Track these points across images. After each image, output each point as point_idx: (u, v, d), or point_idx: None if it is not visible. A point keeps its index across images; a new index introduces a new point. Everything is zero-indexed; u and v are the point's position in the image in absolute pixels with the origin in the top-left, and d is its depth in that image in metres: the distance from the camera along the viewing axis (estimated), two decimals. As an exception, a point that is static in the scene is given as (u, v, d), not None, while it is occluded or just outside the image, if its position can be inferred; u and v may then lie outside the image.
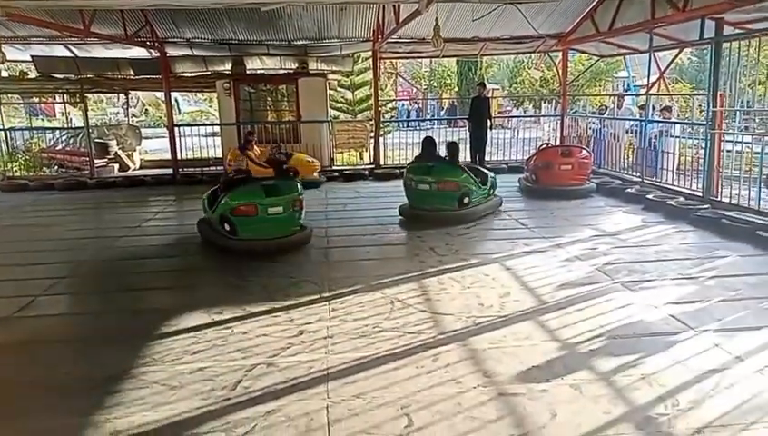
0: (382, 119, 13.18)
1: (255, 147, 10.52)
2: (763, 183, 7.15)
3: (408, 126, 17.14)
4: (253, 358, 3.70)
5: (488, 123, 11.09)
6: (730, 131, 8.24)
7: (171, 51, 11.54)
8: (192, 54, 11.72)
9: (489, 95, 11.60)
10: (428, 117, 27.25)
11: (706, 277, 5.05)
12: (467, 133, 11.51)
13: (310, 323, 4.23)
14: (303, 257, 6.02)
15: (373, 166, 12.03)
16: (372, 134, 12.24)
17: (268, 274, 5.42)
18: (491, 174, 7.98)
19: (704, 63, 16.35)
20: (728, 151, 8.12)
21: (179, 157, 11.81)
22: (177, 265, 6.10)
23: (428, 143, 7.97)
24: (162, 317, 4.40)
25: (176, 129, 11.80)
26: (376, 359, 3.65)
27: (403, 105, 27.61)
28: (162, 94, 12.46)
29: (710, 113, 7.74)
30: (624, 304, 4.46)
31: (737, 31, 7.79)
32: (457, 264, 5.60)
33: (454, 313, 4.35)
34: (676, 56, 10.78)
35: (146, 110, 23.50)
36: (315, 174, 10.67)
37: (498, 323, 4.16)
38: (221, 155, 12.10)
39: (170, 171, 11.86)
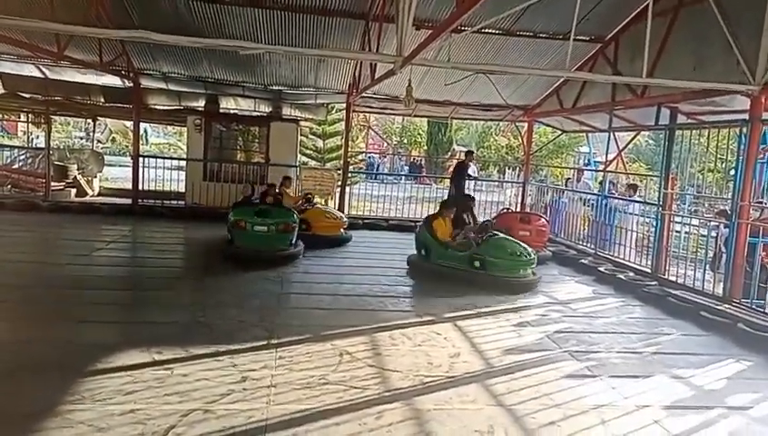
0: (350, 169, 13.31)
1: (287, 193, 9.95)
2: (708, 266, 7.45)
3: (375, 178, 17.31)
4: (190, 403, 3.55)
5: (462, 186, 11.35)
6: (679, 213, 8.63)
7: (145, 82, 11.52)
8: (166, 87, 11.72)
9: (463, 162, 11.88)
10: (397, 172, 27.74)
11: (649, 353, 5.16)
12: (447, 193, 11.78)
13: (254, 370, 4.11)
14: (257, 301, 5.90)
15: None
16: (339, 183, 12.32)
17: (218, 316, 5.28)
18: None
19: (660, 145, 17.30)
20: (677, 231, 8.48)
21: (140, 188, 11.60)
22: (123, 299, 5.89)
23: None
24: (99, 352, 4.20)
25: (141, 159, 11.64)
26: (318, 412, 3.55)
27: (372, 158, 28.06)
28: (132, 123, 12.33)
29: (661, 195, 8.10)
30: (569, 374, 4.49)
31: (690, 121, 8.29)
32: (410, 320, 5.59)
33: (402, 371, 4.30)
34: (634, 138, 11.39)
35: (113, 138, 23.14)
36: (341, 230, 9.78)
37: (446, 384, 4.13)
38: (184, 190, 11.95)
39: (128, 200, 11.62)
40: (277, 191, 9.54)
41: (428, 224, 7.76)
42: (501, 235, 7.61)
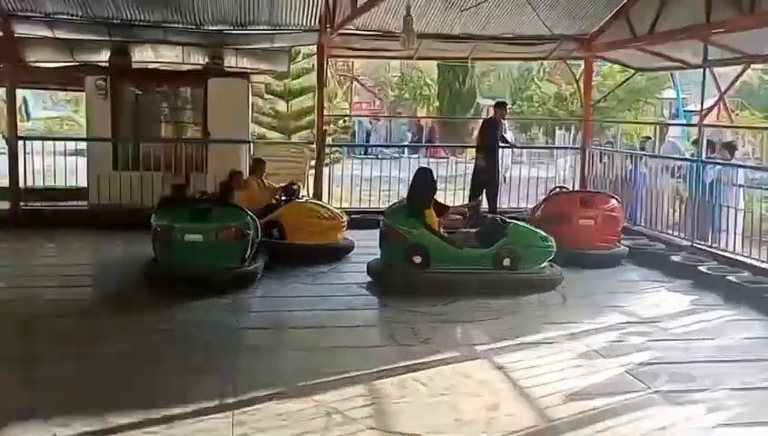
0: (329, 142, 13.32)
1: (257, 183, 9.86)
2: None
3: (365, 153, 17.30)
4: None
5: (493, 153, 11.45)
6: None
7: (21, 30, 11.46)
8: (52, 35, 11.67)
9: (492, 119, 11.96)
10: (398, 142, 27.68)
11: (778, 388, 5.21)
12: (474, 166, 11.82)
13: (198, 446, 4.15)
14: (207, 339, 5.94)
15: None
16: (313, 163, 12.31)
17: (145, 367, 5.30)
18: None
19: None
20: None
21: (22, 184, 11.58)
22: (5, 352, 5.88)
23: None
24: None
25: (20, 143, 11.58)
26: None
27: (361, 123, 28.08)
28: (3, 90, 12.30)
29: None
30: (663, 425, 4.54)
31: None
32: (426, 359, 5.61)
33: (420, 434, 4.34)
34: (741, 74, 11.37)
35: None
36: (338, 235, 9.71)
37: (483, 450, 4.18)
38: (85, 184, 11.93)
39: (5, 205, 11.57)
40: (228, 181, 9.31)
41: (418, 218, 7.81)
42: (512, 221, 8.30)
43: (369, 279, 8.06)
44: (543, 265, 8.00)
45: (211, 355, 5.60)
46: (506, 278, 7.76)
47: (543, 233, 8.11)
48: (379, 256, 8.16)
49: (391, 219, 8.08)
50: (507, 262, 7.78)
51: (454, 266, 7.77)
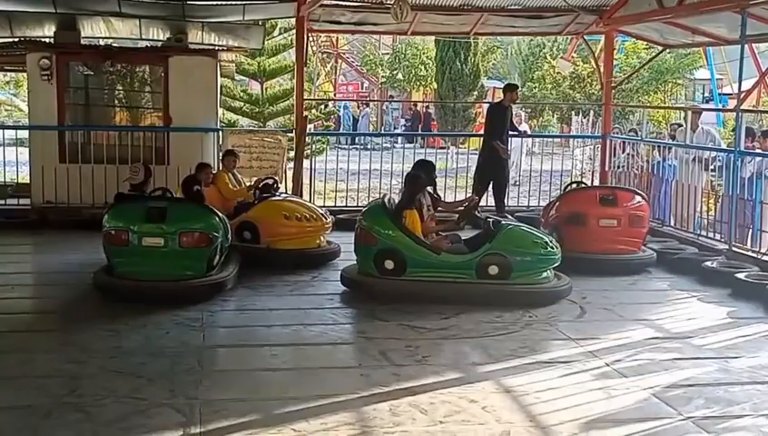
0: (310, 129, 13.29)
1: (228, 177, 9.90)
2: None
3: (352, 143, 17.28)
4: None
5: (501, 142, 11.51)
6: None
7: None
8: (-14, 7, 11.65)
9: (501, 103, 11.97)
10: (390, 130, 27.70)
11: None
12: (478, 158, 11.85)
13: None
14: (165, 363, 5.90)
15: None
16: (293, 154, 12.28)
17: (99, 393, 5.24)
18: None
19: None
20: None
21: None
22: None
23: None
24: None
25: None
26: None
27: (347, 108, 28.05)
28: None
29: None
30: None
31: None
32: (423, 381, 5.59)
33: (416, 468, 4.33)
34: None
35: None
36: (321, 239, 9.76)
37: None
38: (28, 180, 11.86)
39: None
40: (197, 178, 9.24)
41: (395, 218, 7.80)
42: (509, 222, 8.32)
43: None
44: (544, 275, 7.93)
45: (172, 379, 5.56)
46: (493, 289, 7.69)
47: (543, 238, 8.04)
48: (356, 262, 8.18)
49: (366, 218, 8.10)
50: (494, 270, 7.66)
51: (431, 274, 7.72)
